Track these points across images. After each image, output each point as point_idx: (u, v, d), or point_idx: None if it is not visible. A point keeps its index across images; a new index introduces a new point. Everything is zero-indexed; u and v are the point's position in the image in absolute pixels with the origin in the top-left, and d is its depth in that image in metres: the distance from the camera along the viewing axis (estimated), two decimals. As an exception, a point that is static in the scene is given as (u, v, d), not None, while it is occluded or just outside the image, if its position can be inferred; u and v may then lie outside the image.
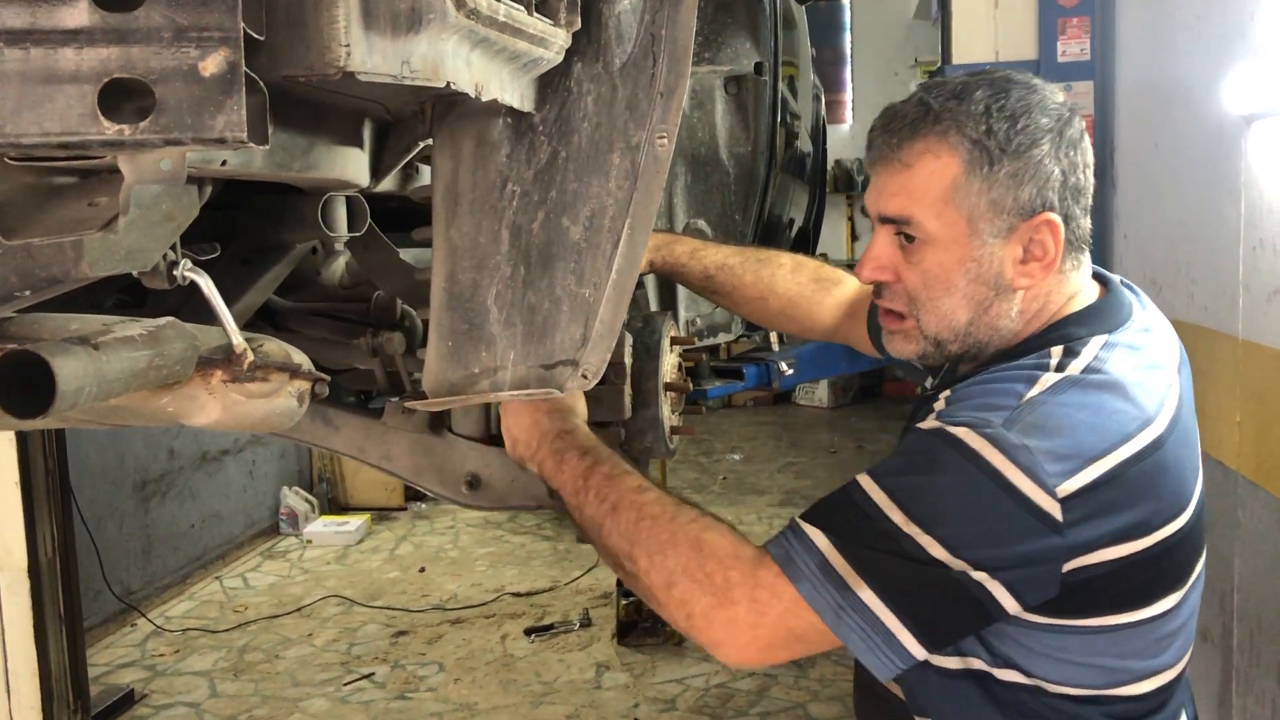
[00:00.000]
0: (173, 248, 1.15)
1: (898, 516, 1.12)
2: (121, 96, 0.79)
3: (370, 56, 0.88)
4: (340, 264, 1.79)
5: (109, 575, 4.74)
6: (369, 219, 1.49)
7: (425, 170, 1.63)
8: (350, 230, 1.46)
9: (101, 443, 4.86)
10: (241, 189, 1.49)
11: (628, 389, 1.44)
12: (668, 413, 1.55)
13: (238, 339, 1.15)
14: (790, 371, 2.27)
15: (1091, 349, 1.23)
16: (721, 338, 2.02)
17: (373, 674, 4.41)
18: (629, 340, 1.45)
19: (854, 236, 9.71)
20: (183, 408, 1.17)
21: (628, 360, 1.44)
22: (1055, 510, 1.11)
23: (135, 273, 1.12)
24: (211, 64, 0.78)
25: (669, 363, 1.57)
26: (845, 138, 9.49)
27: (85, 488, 4.61)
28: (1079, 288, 1.31)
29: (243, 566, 5.74)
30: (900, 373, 9.27)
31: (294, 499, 6.23)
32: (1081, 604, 1.18)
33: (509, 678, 4.34)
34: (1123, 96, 3.45)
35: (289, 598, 5.27)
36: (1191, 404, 1.32)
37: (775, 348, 2.37)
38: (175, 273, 1.13)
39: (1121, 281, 1.38)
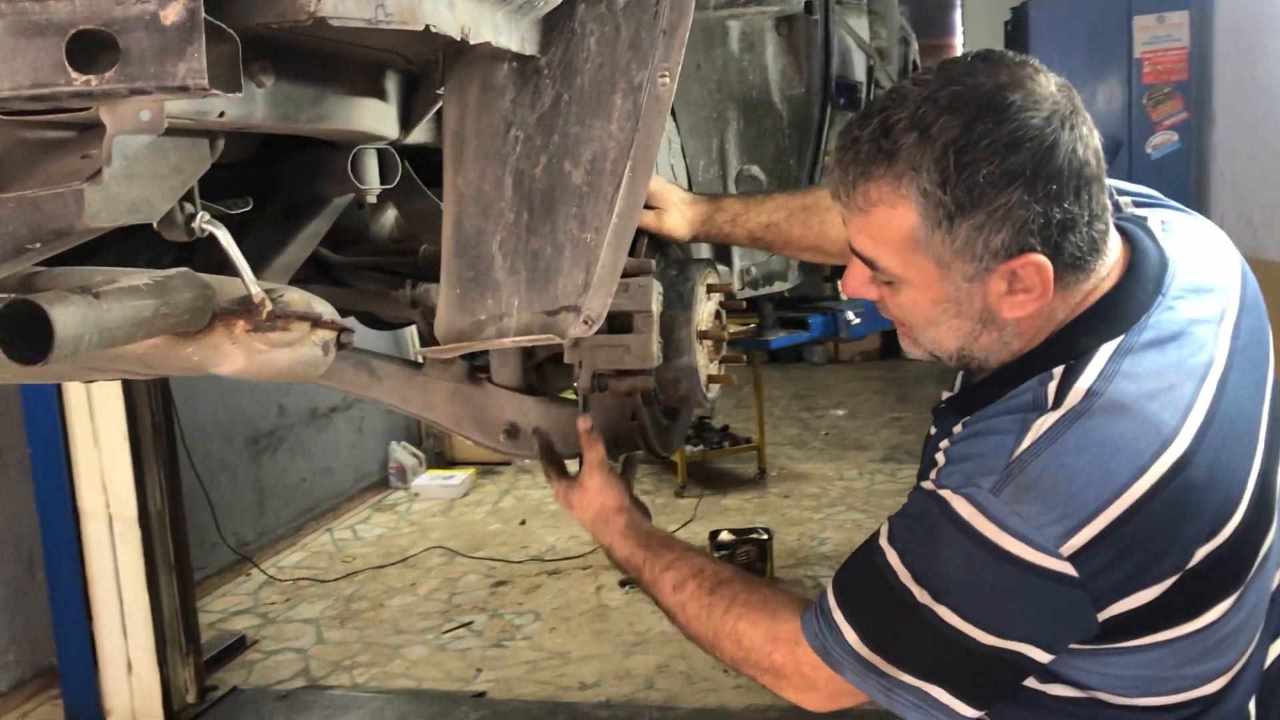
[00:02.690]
0: (191, 200, 1.18)
1: (914, 586, 1.10)
2: (94, 49, 0.81)
3: (342, 1, 0.89)
4: (390, 218, 1.82)
5: (223, 527, 4.94)
6: (400, 171, 1.50)
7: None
8: (383, 183, 1.48)
9: (213, 401, 5.06)
10: (280, 145, 1.52)
11: (655, 337, 1.43)
12: (704, 361, 1.54)
13: (254, 289, 1.18)
14: (858, 320, 2.22)
15: (1096, 364, 1.11)
16: (778, 286, 1.98)
17: (471, 622, 4.52)
18: (656, 288, 1.44)
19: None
20: (207, 357, 1.20)
21: (655, 308, 1.43)
22: (1067, 569, 1.05)
23: (155, 225, 1.16)
24: (172, 13, 0.80)
25: (705, 310, 1.55)
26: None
27: (199, 444, 4.81)
28: (1093, 285, 1.16)
29: (352, 519, 5.93)
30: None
31: (402, 454, 6.40)
32: (1122, 633, 1.11)
33: (602, 628, 4.40)
34: (1221, 28, 3.26)
35: (395, 548, 5.43)
36: (1260, 351, 1.20)
37: (843, 297, 2.33)
38: (193, 225, 1.16)
39: (1164, 211, 1.26)
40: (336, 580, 5.06)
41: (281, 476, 5.56)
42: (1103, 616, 1.08)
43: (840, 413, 7.49)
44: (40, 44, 0.79)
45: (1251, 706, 1.23)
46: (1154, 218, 1.26)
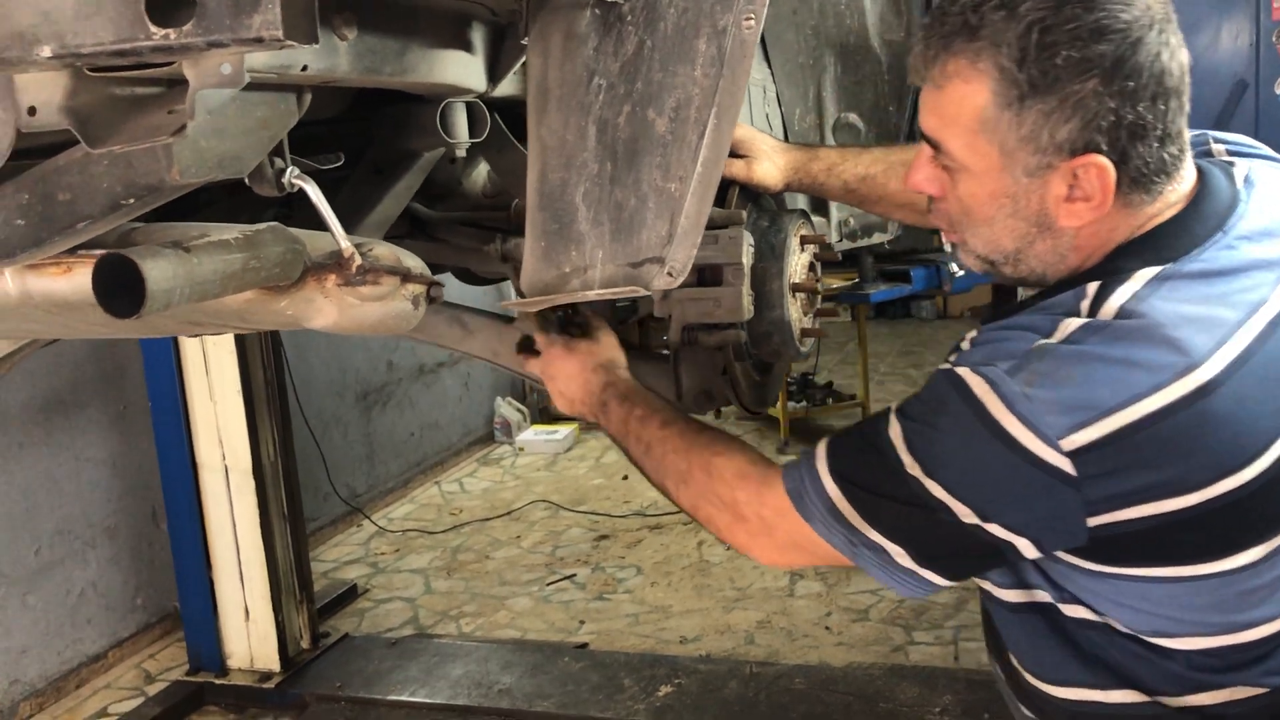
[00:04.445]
0: (281, 155, 1.19)
1: (905, 457, 1.09)
2: (172, 3, 0.82)
3: (416, -51, 0.88)
4: (482, 172, 1.82)
5: (335, 480, 5.08)
6: (490, 124, 1.49)
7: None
8: (472, 137, 1.47)
9: (325, 357, 5.18)
10: (372, 101, 1.53)
11: (746, 289, 1.40)
12: (796, 314, 1.50)
13: (344, 243, 1.19)
14: (961, 273, 2.15)
15: (1131, 286, 1.08)
16: (877, 237, 1.93)
17: (574, 575, 4.58)
18: (747, 240, 1.41)
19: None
20: (300, 311, 1.22)
21: (746, 261, 1.40)
22: (1064, 464, 1.02)
23: (246, 180, 1.17)
24: (246, -36, 0.80)
25: (797, 262, 1.52)
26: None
27: (311, 399, 4.94)
28: (1156, 211, 1.13)
29: (459, 472, 6.04)
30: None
31: (507, 409, 6.49)
32: (1120, 555, 1.09)
33: (703, 583, 4.41)
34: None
35: (500, 502, 5.52)
36: None
37: (947, 249, 2.25)
38: (283, 179, 1.17)
39: (1257, 161, 1.21)
40: (444, 532, 5.17)
41: (391, 431, 5.68)
42: (1093, 523, 1.05)
43: (947, 369, 7.34)
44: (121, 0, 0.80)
45: None
46: (1242, 165, 1.22)
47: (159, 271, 0.94)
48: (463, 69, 1.31)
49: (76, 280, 1.17)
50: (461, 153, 1.48)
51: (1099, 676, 1.16)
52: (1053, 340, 1.06)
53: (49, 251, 1.09)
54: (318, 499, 4.98)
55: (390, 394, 5.71)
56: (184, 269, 0.98)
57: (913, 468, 1.08)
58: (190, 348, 3.60)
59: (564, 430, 6.36)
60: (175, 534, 3.79)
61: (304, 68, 1.02)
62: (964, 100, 1.09)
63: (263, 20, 0.80)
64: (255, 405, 3.66)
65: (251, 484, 3.67)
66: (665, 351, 1.57)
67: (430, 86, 1.28)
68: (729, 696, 3.44)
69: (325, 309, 1.23)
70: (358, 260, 1.20)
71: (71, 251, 1.15)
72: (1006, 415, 1.03)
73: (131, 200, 1.02)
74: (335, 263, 1.20)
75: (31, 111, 0.92)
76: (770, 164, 1.53)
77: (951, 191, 1.16)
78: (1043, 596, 1.17)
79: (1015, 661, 1.24)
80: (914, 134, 2.08)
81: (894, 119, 1.90)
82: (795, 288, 1.49)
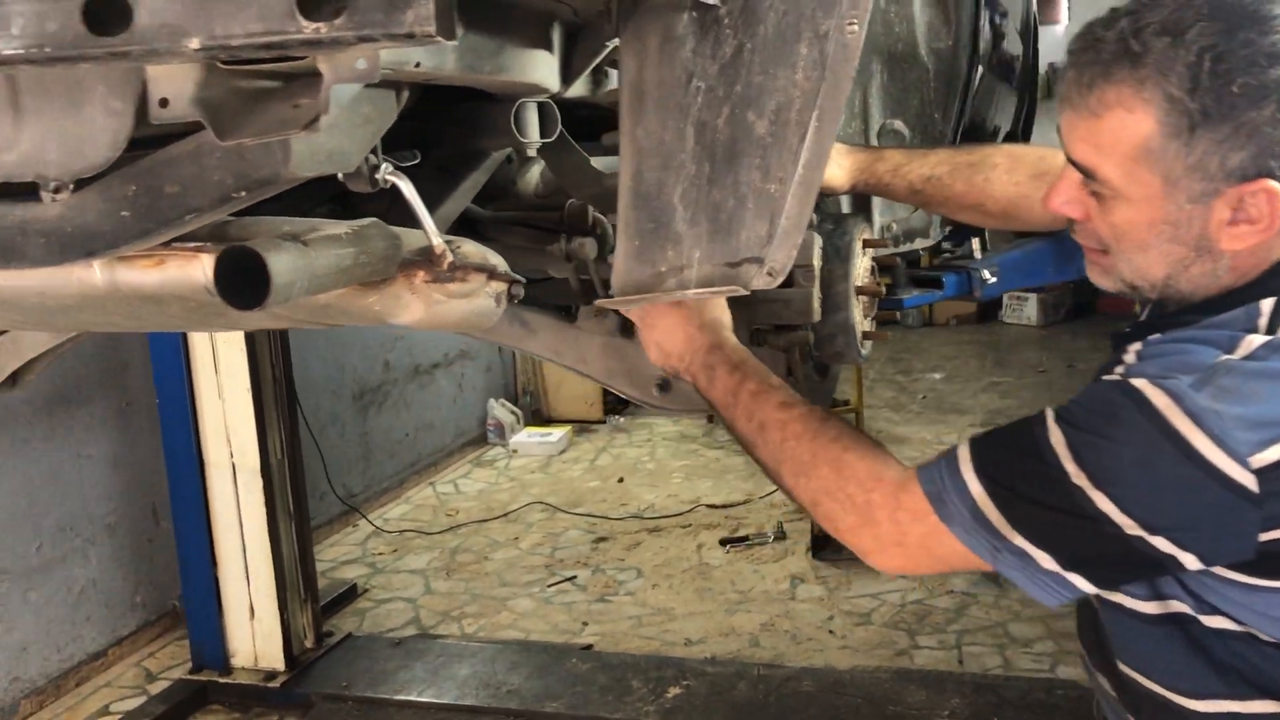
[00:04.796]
0: (374, 152, 1.19)
1: (1070, 466, 1.05)
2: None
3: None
4: (535, 173, 1.83)
5: (332, 479, 5.06)
6: (559, 124, 1.50)
7: (614, 75, 1.63)
8: (542, 137, 1.48)
9: (323, 355, 5.16)
10: (438, 98, 1.53)
11: (816, 291, 1.42)
12: (859, 317, 1.52)
13: (438, 240, 1.19)
14: (994, 280, 2.18)
15: None
16: (919, 243, 1.95)
17: (575, 577, 4.58)
18: (818, 242, 1.43)
19: (1068, 145, 9.21)
20: (388, 307, 1.23)
21: (816, 263, 1.42)
22: (1249, 481, 1.00)
23: (340, 176, 1.17)
24: (401, -40, 0.80)
25: (861, 266, 1.53)
26: (1059, 39, 8.95)
27: (309, 397, 4.91)
28: None
29: (454, 473, 6.02)
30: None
31: (500, 411, 6.48)
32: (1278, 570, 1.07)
33: (705, 585, 4.43)
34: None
35: (496, 503, 5.51)
36: None
37: (977, 255, 2.28)
38: (377, 176, 1.18)
39: None
40: (441, 533, 5.16)
41: (386, 431, 5.67)
42: (1265, 538, 1.04)
43: (937, 376, 7.39)
44: (273, -8, 0.81)
45: None
46: None
47: (282, 264, 0.95)
48: (545, 69, 1.32)
49: (169, 273, 1.17)
50: (531, 152, 1.48)
51: (1237, 687, 1.14)
52: (1235, 356, 1.05)
53: (151, 244, 1.09)
54: (315, 498, 4.95)
55: (386, 394, 5.69)
56: (304, 262, 0.98)
57: (1078, 477, 1.05)
58: (200, 346, 3.58)
59: (558, 432, 6.36)
60: (180, 531, 3.76)
61: (417, 64, 1.02)
62: (1125, 129, 1.07)
63: (416, 15, 0.80)
64: (264, 404, 3.65)
65: (259, 482, 3.65)
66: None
67: (515, 85, 1.29)
68: (738, 699, 3.45)
69: (412, 305, 1.23)
70: (449, 257, 1.20)
71: (166, 244, 1.15)
72: (1193, 430, 1.01)
73: (243, 193, 1.03)
74: (425, 259, 1.21)
75: (164, 103, 0.92)
76: (836, 165, 1.53)
77: (1101, 217, 1.14)
78: (1180, 608, 1.14)
79: (1138, 675, 1.20)
80: (958, 137, 2.10)
81: (939, 126, 1.92)
82: (859, 290, 1.51)
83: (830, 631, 3.97)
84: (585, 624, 4.15)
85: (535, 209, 1.84)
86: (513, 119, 1.44)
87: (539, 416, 6.80)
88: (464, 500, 5.62)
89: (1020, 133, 3.80)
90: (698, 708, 3.42)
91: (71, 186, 1.01)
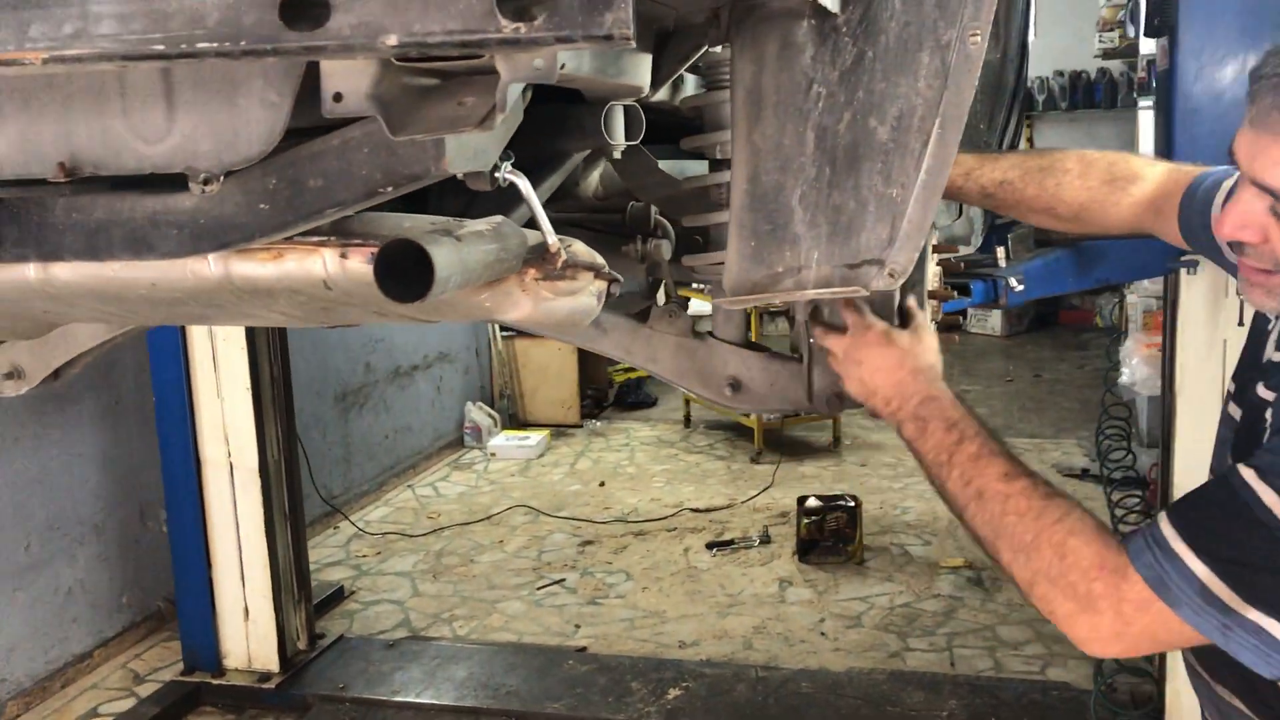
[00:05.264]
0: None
1: None
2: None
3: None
4: (595, 176, 1.84)
5: (315, 480, 5.02)
6: (644, 127, 1.52)
7: (690, 81, 1.66)
8: (628, 139, 1.50)
9: (306, 356, 5.12)
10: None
11: (898, 296, 1.45)
12: (930, 321, 1.56)
13: (553, 238, 1.21)
14: (1020, 288, 2.24)
15: None
16: (961, 250, 2.00)
17: (564, 580, 4.58)
18: (899, 245, 1.46)
19: (1032, 159, 9.38)
20: (499, 303, 1.24)
21: (898, 265, 1.45)
22: None
23: (459, 174, 1.19)
24: (602, -37, 0.82)
25: (932, 270, 1.57)
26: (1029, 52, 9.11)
27: (294, 398, 4.88)
28: None
29: (433, 476, 6.00)
30: (1077, 300, 8.98)
31: (478, 414, 6.47)
32: None
33: (694, 588, 4.45)
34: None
35: (478, 506, 5.50)
36: None
37: (1002, 263, 2.34)
38: (497, 175, 1.19)
39: None
40: (424, 535, 5.14)
41: (367, 433, 5.64)
42: None
43: (908, 383, 7.49)
44: (473, -8, 0.82)
45: None
46: None
47: (444, 258, 0.96)
48: (644, 71, 1.34)
49: (287, 267, 1.17)
50: (617, 154, 1.50)
51: None
52: None
53: (284, 235, 1.09)
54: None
55: (367, 396, 5.66)
56: (458, 256, 0.99)
57: None
58: (199, 344, 3.55)
59: (535, 436, 6.36)
60: (175, 531, 3.72)
61: (563, 66, 1.04)
62: None
63: (615, 19, 0.82)
64: (262, 403, 3.62)
65: (257, 481, 3.62)
66: (794, 353, 1.62)
67: (619, 88, 1.31)
68: (739, 700, 3.48)
69: (521, 302, 1.25)
70: (563, 256, 1.22)
71: (289, 238, 1.15)
72: None
73: (390, 188, 1.04)
74: (539, 257, 1.22)
75: (338, 98, 0.93)
76: None
77: None
78: None
79: None
80: (1003, 147, 2.14)
81: (984, 136, 1.97)
82: (931, 295, 1.55)
83: (822, 634, 4.02)
84: (578, 626, 4.16)
85: (593, 210, 1.86)
86: (602, 121, 1.46)
87: (515, 420, 6.80)
88: (444, 503, 5.61)
89: (1004, 145, 3.88)
90: (699, 709, 3.44)
91: (221, 178, 1.02)
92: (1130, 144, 6.99)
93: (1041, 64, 8.78)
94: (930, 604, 4.21)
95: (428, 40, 0.84)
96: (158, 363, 3.59)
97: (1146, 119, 6.27)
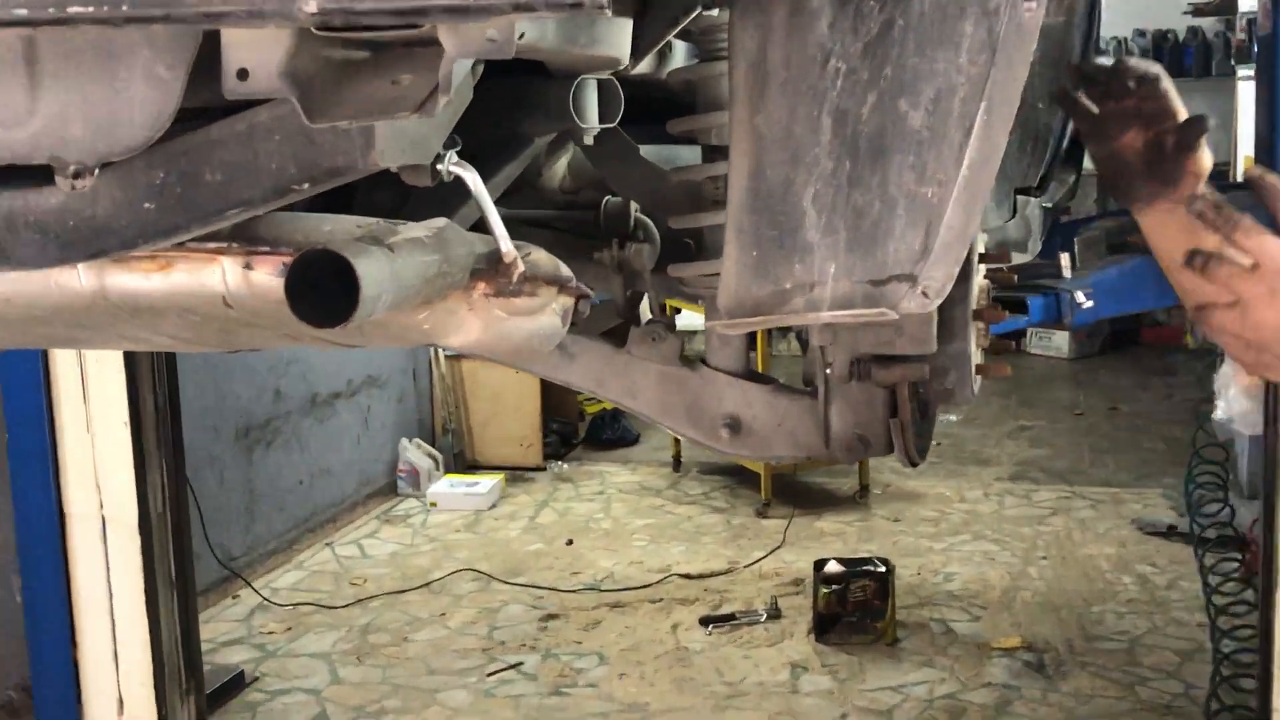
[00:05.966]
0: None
1: None
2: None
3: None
4: (562, 165, 1.86)
5: (210, 537, 5.00)
6: (622, 107, 1.54)
7: (678, 51, 1.68)
8: (603, 121, 1.52)
9: (200, 382, 5.12)
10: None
11: (935, 315, 1.47)
12: (974, 348, 1.58)
13: (507, 245, 1.22)
14: (1089, 303, 2.25)
15: None
16: (1016, 259, 2.02)
17: (521, 663, 4.59)
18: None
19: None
20: (441, 326, 1.25)
21: (936, 280, 1.47)
22: None
23: (392, 168, 1.20)
24: (567, -84, 0.84)
25: (976, 286, 1.59)
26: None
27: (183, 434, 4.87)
28: None
29: (357, 532, 6.00)
30: (1163, 316, 9.06)
31: (415, 453, 6.48)
32: None
33: (684, 675, 4.46)
34: None
35: (414, 570, 5.50)
36: None
37: (1067, 274, 2.36)
38: (440, 167, 1.21)
39: None
40: (347, 607, 5.14)
41: (275, 478, 5.64)
42: None
43: (953, 418, 7.52)
44: (414, -49, 0.84)
45: None
46: None
47: (372, 272, 0.98)
48: (623, 40, 1.36)
49: (177, 280, 1.18)
50: (589, 139, 1.52)
51: None
52: None
53: (175, 241, 1.10)
54: (189, 562, 4.91)
55: (277, 431, 5.66)
56: (391, 270, 1.01)
57: None
58: (65, 368, 3.54)
59: (487, 481, 6.37)
60: (32, 602, 3.71)
61: (521, 36, 1.06)
62: None
63: (587, -18, 0.84)
64: (144, 441, 3.62)
65: (136, 540, 3.63)
66: (807, 387, 1.63)
67: (592, 60, 1.33)
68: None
69: (468, 324, 1.26)
70: (520, 267, 1.23)
71: (180, 245, 1.16)
72: None
73: (305, 185, 1.05)
74: (490, 269, 1.24)
75: (243, 75, 0.94)
76: None
77: None
78: None
79: None
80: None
81: (1044, 119, 1.99)
82: (976, 315, 1.57)
83: (844, 732, 4.04)
84: (539, 723, 4.17)
85: (558, 206, 1.88)
86: (570, 99, 1.48)
87: (463, 461, 6.81)
88: (372, 566, 5.60)
89: (1067, 129, 3.93)
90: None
91: (96, 172, 1.03)
92: (1226, 121, 7.07)
93: (1118, 22, 8.88)
94: (979, 695, 4.23)
95: (355, 7, 0.85)
96: (12, 390, 3.58)
97: (1247, 91, 6.35)
